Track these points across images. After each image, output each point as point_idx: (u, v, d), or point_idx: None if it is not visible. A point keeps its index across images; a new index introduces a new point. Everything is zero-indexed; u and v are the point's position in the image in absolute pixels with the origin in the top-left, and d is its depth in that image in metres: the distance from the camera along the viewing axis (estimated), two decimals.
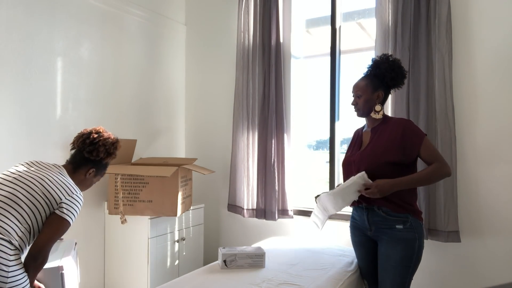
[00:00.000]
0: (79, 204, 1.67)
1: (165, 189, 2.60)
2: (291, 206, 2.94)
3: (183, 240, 2.89)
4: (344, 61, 2.94)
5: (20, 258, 1.52)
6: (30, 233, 1.56)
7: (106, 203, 2.81)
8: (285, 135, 2.96)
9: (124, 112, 3.05)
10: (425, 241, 1.92)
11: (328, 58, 2.93)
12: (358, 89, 1.94)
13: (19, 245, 1.51)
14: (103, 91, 2.87)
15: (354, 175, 1.85)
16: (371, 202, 1.85)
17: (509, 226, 2.28)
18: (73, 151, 1.85)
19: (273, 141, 2.97)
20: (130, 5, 3.05)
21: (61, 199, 1.60)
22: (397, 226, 1.81)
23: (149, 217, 2.60)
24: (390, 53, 2.49)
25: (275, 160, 2.97)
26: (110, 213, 2.66)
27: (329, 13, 2.93)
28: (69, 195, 1.63)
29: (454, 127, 2.36)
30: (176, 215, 2.62)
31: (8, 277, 1.42)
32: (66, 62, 2.62)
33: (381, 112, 1.91)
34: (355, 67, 3.00)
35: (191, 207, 2.97)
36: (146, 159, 2.99)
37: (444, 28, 2.37)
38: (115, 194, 2.63)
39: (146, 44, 3.24)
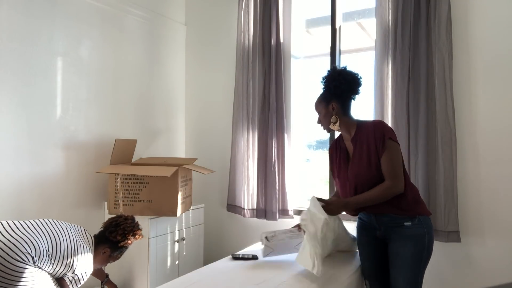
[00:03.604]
0: (84, 280, 1.86)
1: (165, 189, 2.60)
2: (291, 206, 2.94)
3: (183, 240, 2.90)
4: (344, 61, 2.94)
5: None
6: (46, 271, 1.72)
7: (106, 203, 2.81)
8: (285, 135, 2.96)
9: (124, 112, 3.05)
10: None
11: (328, 58, 2.93)
12: (316, 108, 2.00)
13: (37, 265, 1.66)
14: (103, 91, 2.87)
15: (351, 193, 1.90)
16: (375, 210, 1.86)
17: (509, 226, 2.28)
18: (101, 230, 2.03)
19: (273, 141, 2.97)
20: (130, 5, 3.05)
21: (76, 271, 1.79)
22: (405, 223, 1.81)
23: (149, 217, 2.60)
24: (390, 54, 2.51)
25: (276, 160, 2.97)
26: (110, 213, 2.65)
27: (329, 13, 2.93)
28: (85, 270, 1.83)
29: (454, 127, 2.36)
30: (176, 215, 2.62)
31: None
32: (66, 62, 2.62)
33: (337, 124, 1.92)
34: (355, 67, 3.00)
35: (191, 207, 2.97)
36: (146, 159, 2.99)
37: (444, 28, 2.37)
38: (115, 194, 2.63)
39: (146, 44, 3.24)
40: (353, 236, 2.14)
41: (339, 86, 1.91)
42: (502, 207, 2.30)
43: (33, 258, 1.61)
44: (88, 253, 1.86)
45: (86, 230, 1.96)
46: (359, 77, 1.93)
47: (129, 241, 2.01)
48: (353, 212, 1.96)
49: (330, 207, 1.84)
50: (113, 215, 2.17)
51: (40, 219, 1.79)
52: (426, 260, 1.83)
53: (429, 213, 1.87)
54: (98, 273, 2.19)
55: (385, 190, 1.78)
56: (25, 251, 1.58)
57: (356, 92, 1.94)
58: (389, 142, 1.79)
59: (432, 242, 1.84)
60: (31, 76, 2.40)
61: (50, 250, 1.68)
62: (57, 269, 1.72)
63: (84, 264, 1.81)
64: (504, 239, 2.29)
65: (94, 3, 2.79)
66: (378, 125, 1.84)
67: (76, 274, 1.79)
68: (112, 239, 1.96)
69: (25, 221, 1.75)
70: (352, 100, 1.96)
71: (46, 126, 2.49)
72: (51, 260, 1.68)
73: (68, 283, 1.78)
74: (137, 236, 2.04)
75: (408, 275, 1.80)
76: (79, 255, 1.79)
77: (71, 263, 1.75)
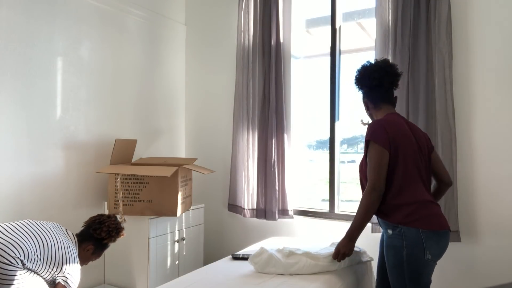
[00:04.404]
0: (79, 276, 1.86)
1: (165, 189, 2.60)
2: (291, 206, 2.94)
3: (183, 240, 2.90)
4: (344, 61, 2.94)
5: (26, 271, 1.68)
6: (35, 271, 1.71)
7: (106, 203, 2.81)
8: (285, 135, 2.96)
9: (124, 112, 3.05)
10: None
11: (328, 58, 2.93)
12: None
13: (27, 267, 1.66)
14: (103, 91, 2.87)
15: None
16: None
17: (509, 226, 2.28)
18: (83, 228, 2.03)
19: (273, 141, 2.97)
20: (130, 5, 3.05)
21: (67, 270, 1.79)
22: (388, 231, 1.78)
23: (149, 217, 2.60)
24: (389, 54, 2.51)
25: (275, 160, 2.97)
26: (110, 213, 2.65)
27: (329, 13, 2.93)
28: (75, 266, 1.84)
29: (454, 127, 2.36)
30: (176, 215, 2.62)
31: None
32: (66, 62, 2.62)
33: (366, 121, 2.02)
34: (355, 67, 3.00)
35: (191, 207, 2.97)
36: (146, 159, 2.99)
37: (444, 28, 2.37)
38: (115, 194, 2.63)
39: (146, 44, 3.24)
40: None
41: (356, 82, 1.97)
42: (502, 207, 2.30)
43: (22, 261, 1.61)
44: (74, 250, 1.87)
45: (67, 229, 1.96)
46: (365, 69, 1.91)
47: (113, 239, 2.02)
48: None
49: (339, 248, 1.87)
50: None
51: (21, 221, 1.79)
52: (411, 273, 1.69)
53: (422, 226, 1.68)
54: None
55: (365, 196, 1.75)
56: (14, 255, 1.59)
57: (366, 84, 1.92)
58: (369, 143, 1.78)
59: (416, 258, 1.67)
60: (31, 76, 2.40)
61: (38, 251, 1.69)
62: (48, 269, 1.72)
63: (73, 262, 1.82)
64: (504, 239, 2.29)
65: (94, 3, 2.79)
66: (369, 125, 1.84)
67: (68, 273, 1.79)
68: (96, 236, 1.97)
69: (6, 224, 1.74)
70: (379, 92, 1.91)
71: (46, 126, 2.49)
72: (40, 260, 1.68)
73: (64, 283, 1.77)
74: (120, 234, 2.06)
75: (393, 283, 1.77)
76: (67, 253, 1.80)
77: (60, 262, 1.75)
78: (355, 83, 1.97)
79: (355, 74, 1.95)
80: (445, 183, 1.94)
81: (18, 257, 1.60)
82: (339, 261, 1.90)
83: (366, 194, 1.75)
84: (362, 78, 1.92)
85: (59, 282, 1.76)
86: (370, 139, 1.76)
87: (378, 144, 1.74)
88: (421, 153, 1.81)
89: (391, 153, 1.74)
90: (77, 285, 1.83)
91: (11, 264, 1.58)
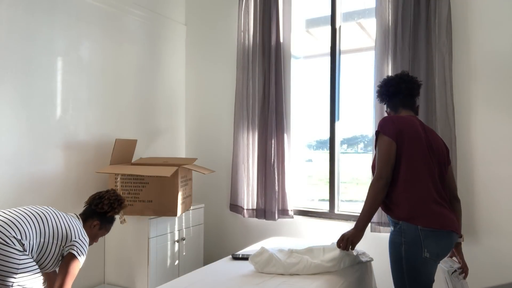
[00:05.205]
0: (87, 248, 1.84)
1: (165, 189, 2.60)
2: (291, 206, 2.94)
3: (183, 240, 2.90)
4: (344, 61, 2.94)
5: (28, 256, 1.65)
6: (39, 250, 1.69)
7: None
8: (285, 135, 2.96)
9: (124, 112, 3.05)
10: None
11: (328, 58, 2.93)
12: None
13: (28, 250, 1.64)
14: (103, 91, 2.87)
15: None
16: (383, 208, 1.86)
17: (508, 227, 2.28)
18: (85, 207, 2.03)
19: (273, 141, 2.97)
20: (130, 5, 3.05)
21: (73, 238, 1.79)
22: (391, 227, 1.82)
23: (149, 217, 2.60)
24: (390, 54, 2.51)
25: (275, 160, 2.97)
26: None
27: (329, 13, 2.93)
28: (82, 236, 1.83)
29: (454, 127, 2.36)
30: (176, 215, 2.62)
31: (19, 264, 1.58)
32: (66, 62, 2.62)
33: None
34: (355, 67, 3.01)
35: (191, 207, 2.97)
36: (146, 159, 2.99)
37: (444, 28, 2.37)
38: None
39: (146, 44, 3.24)
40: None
41: (377, 97, 2.03)
42: (501, 207, 2.30)
43: (19, 241, 1.59)
44: (78, 223, 1.86)
45: (65, 212, 1.95)
46: (384, 80, 1.97)
47: (117, 210, 2.01)
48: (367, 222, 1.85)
49: (344, 234, 1.85)
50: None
51: (15, 208, 1.78)
52: (409, 270, 1.69)
53: (421, 224, 1.67)
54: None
55: (372, 185, 1.76)
56: (9, 234, 1.57)
57: (385, 93, 1.95)
58: (378, 135, 1.81)
59: (414, 255, 1.67)
60: (31, 76, 2.40)
61: (36, 227, 1.66)
62: (54, 243, 1.70)
63: (78, 232, 1.81)
64: (503, 239, 2.29)
65: (94, 3, 2.79)
66: (380, 120, 1.86)
67: (75, 241, 1.77)
68: (99, 211, 1.96)
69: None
70: (398, 98, 1.92)
71: (46, 126, 2.49)
72: (41, 236, 1.66)
73: (73, 252, 1.74)
74: (123, 205, 2.05)
75: (395, 280, 1.77)
76: (70, 225, 1.78)
77: (65, 233, 1.74)
78: (378, 97, 2.02)
79: (377, 88, 2.01)
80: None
81: (14, 237, 1.57)
82: (342, 248, 1.86)
83: (373, 182, 1.76)
84: (382, 89, 1.97)
85: (68, 252, 1.74)
86: (380, 131, 1.80)
87: (386, 136, 1.77)
88: (432, 153, 1.78)
89: (398, 144, 1.75)
90: (84, 255, 1.81)
91: (7, 244, 1.54)
